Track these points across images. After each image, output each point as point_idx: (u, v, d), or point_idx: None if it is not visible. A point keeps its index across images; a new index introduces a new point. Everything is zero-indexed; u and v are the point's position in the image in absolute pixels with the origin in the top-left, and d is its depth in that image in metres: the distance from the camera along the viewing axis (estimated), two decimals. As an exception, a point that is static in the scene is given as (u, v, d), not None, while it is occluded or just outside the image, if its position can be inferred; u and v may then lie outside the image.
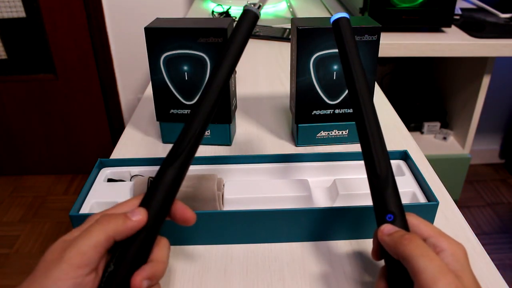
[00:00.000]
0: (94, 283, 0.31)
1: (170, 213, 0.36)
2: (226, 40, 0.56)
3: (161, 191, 0.34)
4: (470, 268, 0.32)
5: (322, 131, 0.63)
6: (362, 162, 0.56)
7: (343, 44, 0.39)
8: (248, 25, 0.39)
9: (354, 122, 0.63)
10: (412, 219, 0.35)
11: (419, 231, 0.34)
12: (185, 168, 0.36)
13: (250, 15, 0.39)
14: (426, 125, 1.56)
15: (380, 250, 0.35)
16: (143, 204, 0.34)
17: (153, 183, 0.35)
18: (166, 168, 0.35)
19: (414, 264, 0.30)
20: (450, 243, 0.33)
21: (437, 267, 0.30)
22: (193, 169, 0.54)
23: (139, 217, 0.33)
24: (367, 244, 0.47)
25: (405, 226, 0.34)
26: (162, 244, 0.35)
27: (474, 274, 0.32)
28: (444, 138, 1.52)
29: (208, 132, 0.64)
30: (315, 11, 1.39)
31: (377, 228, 0.36)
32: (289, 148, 0.65)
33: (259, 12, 0.40)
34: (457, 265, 0.31)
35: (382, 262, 0.44)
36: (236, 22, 0.40)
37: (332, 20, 0.41)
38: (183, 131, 0.36)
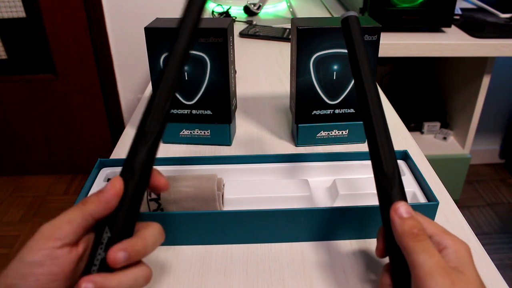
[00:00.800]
0: (69, 258, 0.31)
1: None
2: (225, 40, 0.56)
3: (138, 163, 0.34)
4: (473, 265, 0.32)
5: (322, 131, 0.63)
6: (362, 162, 0.56)
7: (352, 43, 0.39)
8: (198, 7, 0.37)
9: (354, 122, 0.63)
10: (417, 217, 0.35)
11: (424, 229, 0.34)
12: (157, 146, 0.36)
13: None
14: (426, 125, 1.56)
15: (385, 247, 0.36)
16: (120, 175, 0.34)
17: (128, 157, 0.35)
18: (140, 146, 0.35)
19: (413, 258, 0.31)
20: (454, 241, 0.33)
21: (435, 263, 0.30)
22: (193, 169, 0.54)
23: (112, 186, 0.33)
24: (368, 244, 0.47)
25: None
26: (150, 226, 0.35)
27: (478, 272, 0.32)
28: (444, 138, 1.52)
29: (208, 132, 0.64)
30: (315, 11, 1.39)
31: (381, 225, 0.36)
32: (289, 148, 0.65)
33: None
34: (459, 262, 0.31)
35: (382, 261, 0.44)
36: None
37: (341, 18, 0.41)
38: (150, 107, 0.36)
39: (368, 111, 0.37)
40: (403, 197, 0.35)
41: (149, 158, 0.35)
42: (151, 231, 0.34)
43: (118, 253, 0.31)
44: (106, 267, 0.31)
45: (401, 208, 0.34)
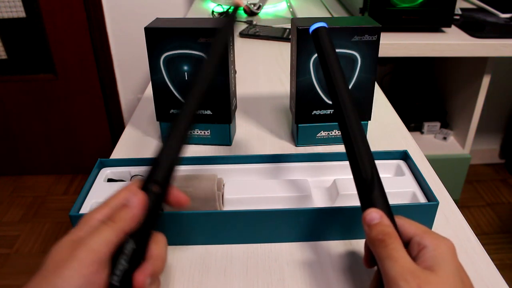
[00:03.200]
0: (103, 278, 0.31)
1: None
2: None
3: (160, 172, 0.35)
4: (452, 262, 0.31)
5: (322, 131, 0.63)
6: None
7: (323, 53, 0.41)
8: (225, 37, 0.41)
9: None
10: (398, 220, 0.35)
11: (404, 230, 0.34)
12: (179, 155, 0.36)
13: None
14: (426, 125, 1.56)
15: (371, 256, 0.35)
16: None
17: (152, 170, 0.35)
18: (165, 158, 0.35)
19: (381, 265, 0.31)
20: (434, 238, 0.32)
21: (399, 269, 0.30)
22: (193, 169, 0.54)
23: (140, 201, 0.33)
24: (367, 244, 0.47)
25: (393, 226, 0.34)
26: (159, 240, 0.35)
27: (460, 268, 0.31)
28: (444, 138, 1.52)
29: (208, 132, 0.64)
30: (315, 11, 1.39)
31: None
32: (289, 148, 0.65)
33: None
34: (434, 261, 0.31)
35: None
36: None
37: (311, 30, 0.42)
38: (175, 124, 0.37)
39: (343, 118, 0.38)
40: (384, 201, 0.35)
41: (171, 172, 0.35)
42: (163, 246, 0.35)
43: (146, 278, 0.32)
44: (128, 282, 0.31)
45: (370, 215, 0.34)
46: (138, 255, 0.33)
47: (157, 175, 0.34)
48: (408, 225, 0.34)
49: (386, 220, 0.33)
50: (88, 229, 0.32)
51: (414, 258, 0.32)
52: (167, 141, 0.36)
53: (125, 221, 0.32)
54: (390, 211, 0.35)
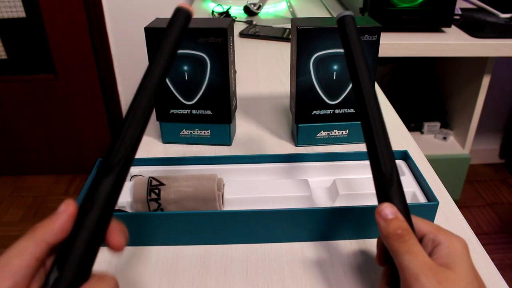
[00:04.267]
0: (42, 280, 0.28)
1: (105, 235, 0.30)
2: (225, 40, 0.56)
3: (100, 194, 0.30)
4: (467, 261, 0.31)
5: (322, 131, 0.63)
6: (362, 162, 0.56)
7: (348, 43, 0.39)
8: (180, 26, 0.35)
9: (354, 122, 0.63)
10: (412, 217, 0.35)
11: (418, 228, 0.34)
12: (123, 178, 0.31)
13: (182, 14, 0.35)
14: (426, 125, 1.56)
15: (384, 255, 0.35)
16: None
17: (90, 189, 0.30)
18: (103, 178, 0.30)
19: (399, 260, 0.31)
20: (448, 236, 0.32)
21: (419, 264, 0.30)
22: (193, 169, 0.54)
23: (66, 207, 0.29)
24: (367, 244, 0.47)
25: (410, 225, 0.34)
26: (105, 280, 0.29)
27: (473, 267, 0.31)
28: (444, 138, 1.52)
29: (208, 132, 0.64)
30: (315, 11, 1.39)
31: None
32: (289, 148, 0.65)
33: (191, 11, 0.36)
34: (450, 258, 0.31)
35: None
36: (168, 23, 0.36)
37: (337, 18, 0.40)
38: (117, 138, 0.32)
39: (366, 110, 0.37)
40: (402, 197, 0.35)
41: (113, 191, 0.30)
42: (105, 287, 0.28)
43: None
44: None
45: (385, 210, 0.33)
46: (81, 274, 0.28)
47: (97, 191, 0.30)
48: (421, 223, 0.34)
49: (401, 216, 0.33)
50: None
51: (429, 254, 0.32)
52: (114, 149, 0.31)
53: (43, 226, 0.28)
54: (407, 208, 0.34)
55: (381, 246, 0.35)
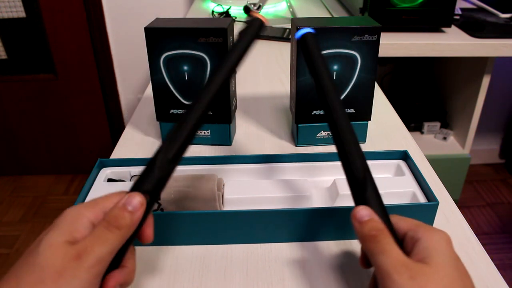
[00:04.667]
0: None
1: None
2: (225, 40, 0.56)
3: (154, 175, 0.33)
4: (448, 253, 0.31)
5: (322, 131, 0.63)
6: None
7: (311, 59, 0.41)
8: (253, 31, 0.40)
9: (354, 122, 0.63)
10: (393, 218, 0.35)
11: (399, 227, 0.34)
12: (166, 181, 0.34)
13: (256, 23, 0.41)
14: (426, 125, 1.56)
15: (365, 257, 0.35)
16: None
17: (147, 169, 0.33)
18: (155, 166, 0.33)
19: (374, 261, 0.31)
20: (427, 231, 0.32)
21: (391, 262, 0.30)
22: (193, 169, 0.54)
23: (139, 202, 0.31)
24: (367, 244, 0.47)
25: (388, 225, 0.34)
26: (133, 251, 0.34)
27: (456, 258, 0.31)
28: (444, 138, 1.52)
29: (208, 132, 0.64)
30: (315, 11, 1.39)
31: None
32: (289, 148, 0.65)
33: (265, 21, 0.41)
34: (427, 253, 0.30)
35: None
36: (242, 29, 0.41)
37: (297, 36, 0.42)
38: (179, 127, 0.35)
39: (332, 119, 0.38)
40: (377, 198, 0.35)
41: (162, 185, 0.33)
42: (134, 258, 0.34)
43: (116, 285, 0.30)
44: None
45: (360, 212, 0.33)
46: (114, 261, 0.31)
47: (148, 184, 0.32)
48: (403, 222, 0.34)
49: (376, 217, 0.33)
50: (82, 230, 0.30)
51: (409, 252, 0.32)
52: (167, 145, 0.34)
53: (129, 228, 0.30)
54: (384, 209, 0.34)
55: (362, 248, 0.35)
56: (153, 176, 0.32)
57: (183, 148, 0.35)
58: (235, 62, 0.39)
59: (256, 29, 0.41)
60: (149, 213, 0.32)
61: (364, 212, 0.33)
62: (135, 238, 0.32)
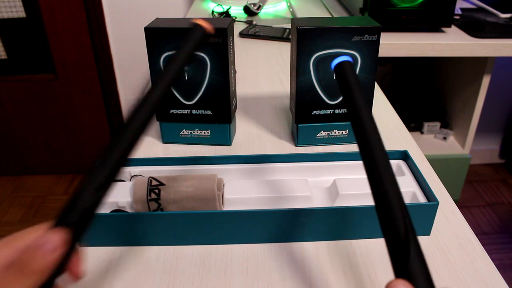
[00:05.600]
0: None
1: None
2: (225, 40, 0.56)
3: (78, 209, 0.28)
4: None
5: (322, 131, 0.63)
6: (362, 162, 0.56)
7: (348, 89, 0.35)
8: (195, 42, 0.37)
9: (354, 122, 0.63)
10: None
11: None
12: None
13: (199, 31, 0.36)
14: (426, 125, 1.56)
15: None
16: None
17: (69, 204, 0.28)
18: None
19: None
20: None
21: None
22: (193, 169, 0.54)
23: (58, 238, 0.26)
24: (367, 244, 0.47)
25: None
26: None
27: None
28: (444, 138, 1.52)
29: (208, 132, 0.64)
30: (315, 11, 1.39)
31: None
32: (289, 148, 0.65)
33: (211, 29, 0.37)
34: None
35: (383, 259, 0.44)
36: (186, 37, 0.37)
37: (333, 65, 0.37)
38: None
39: (372, 161, 0.31)
40: (423, 270, 0.26)
41: (89, 214, 0.28)
42: None
43: None
44: None
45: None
46: None
47: (73, 216, 0.28)
48: None
49: None
50: None
51: None
52: (95, 172, 0.30)
53: (43, 272, 0.25)
54: (431, 282, 0.26)
55: None
56: (79, 206, 0.28)
57: (113, 173, 0.31)
58: (171, 78, 0.36)
59: (198, 39, 0.36)
60: (75, 249, 0.28)
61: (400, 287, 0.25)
62: (58, 276, 0.27)
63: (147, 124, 0.33)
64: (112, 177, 0.30)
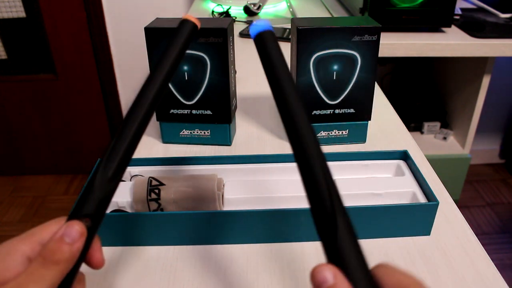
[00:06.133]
0: None
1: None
2: (225, 40, 0.56)
3: (93, 200, 0.30)
4: None
5: (322, 131, 0.63)
6: (362, 162, 0.56)
7: (270, 62, 0.33)
8: (184, 38, 0.36)
9: (354, 122, 0.63)
10: (378, 270, 0.25)
11: (387, 283, 0.25)
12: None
13: (188, 26, 0.36)
14: (426, 125, 1.56)
15: None
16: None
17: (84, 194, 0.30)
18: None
19: None
20: (399, 280, 0.25)
21: None
22: (193, 169, 0.54)
23: (78, 232, 0.27)
24: (367, 244, 0.47)
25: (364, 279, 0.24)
26: (81, 280, 0.30)
27: None
28: (444, 138, 1.52)
29: (208, 132, 0.64)
30: (315, 11, 1.39)
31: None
32: (289, 148, 0.64)
33: (198, 23, 0.36)
34: None
35: (384, 259, 0.44)
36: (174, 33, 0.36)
37: (253, 34, 0.34)
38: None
39: (294, 130, 0.30)
40: (351, 242, 0.25)
41: (105, 204, 0.30)
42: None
43: None
44: None
45: (319, 275, 0.24)
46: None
47: (89, 207, 0.29)
48: (390, 277, 0.25)
49: (343, 282, 0.24)
50: (14, 268, 0.26)
51: None
52: (105, 162, 0.31)
53: (68, 261, 0.27)
54: (362, 260, 0.25)
55: None
56: (93, 197, 0.29)
57: (123, 164, 0.32)
58: (167, 73, 0.35)
59: (187, 35, 0.36)
60: (94, 238, 0.29)
61: (326, 275, 0.24)
62: (80, 266, 0.29)
63: (149, 118, 0.34)
64: (123, 168, 0.32)
